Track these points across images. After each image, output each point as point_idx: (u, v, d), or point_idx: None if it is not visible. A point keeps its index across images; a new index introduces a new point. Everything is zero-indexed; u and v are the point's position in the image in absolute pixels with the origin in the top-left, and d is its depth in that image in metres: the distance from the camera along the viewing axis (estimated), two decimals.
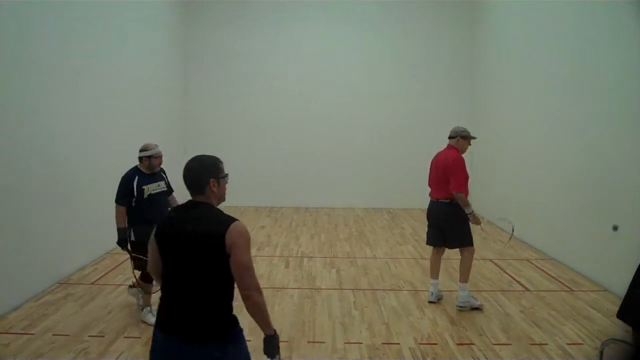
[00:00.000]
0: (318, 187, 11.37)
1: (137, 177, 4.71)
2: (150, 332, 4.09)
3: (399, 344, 4.32)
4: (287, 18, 11.24)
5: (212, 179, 2.36)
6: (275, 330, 2.40)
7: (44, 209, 5.52)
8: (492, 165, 9.91)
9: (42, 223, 5.48)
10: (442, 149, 5.28)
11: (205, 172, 2.36)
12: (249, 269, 2.26)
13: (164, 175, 4.98)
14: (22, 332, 4.42)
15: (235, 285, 2.31)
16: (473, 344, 4.30)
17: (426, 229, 5.39)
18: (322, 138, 11.27)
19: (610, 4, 5.91)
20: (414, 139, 11.25)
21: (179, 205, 2.50)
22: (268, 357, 2.38)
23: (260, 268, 6.50)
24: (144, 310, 4.74)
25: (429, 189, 5.30)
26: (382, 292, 5.68)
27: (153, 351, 2.36)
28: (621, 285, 5.29)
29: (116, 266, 6.47)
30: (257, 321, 2.37)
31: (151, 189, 4.76)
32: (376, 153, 11.29)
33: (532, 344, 4.32)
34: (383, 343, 4.33)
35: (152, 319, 4.51)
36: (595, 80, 6.18)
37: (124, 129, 7.76)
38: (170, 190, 5.03)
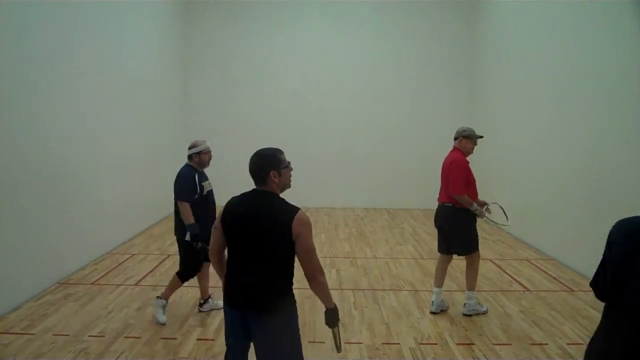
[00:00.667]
0: (318, 187, 11.37)
1: (196, 174, 4.66)
2: (153, 330, 4.07)
3: (399, 344, 4.32)
4: (287, 18, 11.24)
5: (272, 171, 2.60)
6: (335, 304, 2.75)
7: (43, 209, 5.52)
8: (492, 165, 9.91)
9: (42, 223, 5.48)
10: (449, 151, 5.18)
11: (265, 164, 2.60)
12: (313, 252, 2.59)
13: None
14: (22, 332, 4.42)
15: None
16: (473, 344, 4.30)
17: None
18: (322, 138, 11.27)
19: (610, 4, 5.91)
20: (414, 139, 11.27)
21: (244, 194, 2.69)
22: (330, 327, 2.77)
23: None
24: (159, 305, 4.72)
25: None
26: (382, 292, 5.68)
27: (227, 324, 2.72)
28: None
29: (116, 266, 6.47)
30: (320, 298, 2.73)
31: (206, 186, 4.76)
32: (376, 153, 11.29)
33: (532, 344, 4.32)
34: (383, 343, 4.33)
35: (164, 318, 4.54)
36: (595, 80, 6.18)
37: (124, 128, 7.76)
38: None
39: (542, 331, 4.60)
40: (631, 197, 5.34)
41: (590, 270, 6.02)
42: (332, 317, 2.74)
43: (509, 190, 8.80)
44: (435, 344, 4.32)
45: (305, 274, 2.65)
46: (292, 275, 2.69)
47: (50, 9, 5.70)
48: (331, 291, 5.95)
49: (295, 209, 2.55)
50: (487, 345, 4.28)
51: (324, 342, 4.33)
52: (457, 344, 4.33)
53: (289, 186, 2.73)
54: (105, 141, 7.09)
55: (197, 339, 4.34)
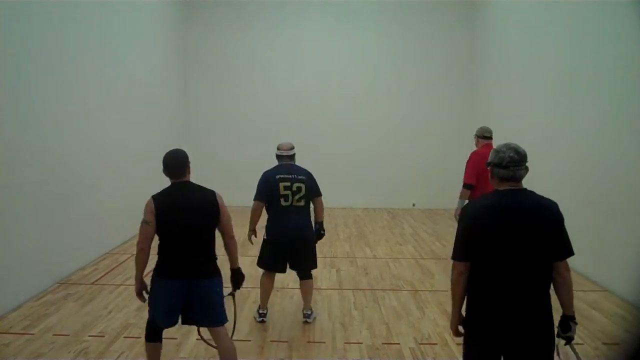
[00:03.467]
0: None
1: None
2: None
3: (399, 344, 4.32)
4: (287, 18, 11.23)
5: (189, 165, 3.41)
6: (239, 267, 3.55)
7: (43, 209, 5.52)
8: None
9: (42, 223, 5.48)
10: None
11: (185, 160, 3.38)
12: (230, 217, 3.45)
13: None
14: (22, 332, 4.42)
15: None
16: None
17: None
18: (322, 138, 11.25)
19: (610, 4, 5.91)
20: (414, 138, 11.27)
21: (167, 189, 3.40)
22: (234, 286, 3.53)
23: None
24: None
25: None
26: (382, 292, 5.67)
27: (157, 297, 3.32)
28: (621, 285, 5.30)
29: (116, 266, 6.47)
30: (231, 255, 3.51)
31: None
32: (376, 153, 11.28)
33: None
34: (383, 343, 4.33)
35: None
36: (595, 79, 6.18)
37: (124, 128, 7.77)
38: None
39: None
40: (631, 196, 5.34)
41: (591, 270, 5.99)
42: (236, 278, 3.51)
43: None
44: (435, 344, 4.32)
45: (225, 235, 3.42)
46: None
47: (50, 8, 5.70)
48: (331, 291, 5.98)
49: (212, 190, 3.38)
50: None
51: (323, 342, 4.34)
52: (457, 344, 4.31)
53: None
54: (105, 141, 7.09)
55: (197, 339, 4.33)
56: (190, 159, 3.45)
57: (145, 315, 4.84)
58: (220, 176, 11.36)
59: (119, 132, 7.55)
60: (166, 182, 3.45)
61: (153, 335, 3.48)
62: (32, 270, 5.30)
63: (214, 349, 4.10)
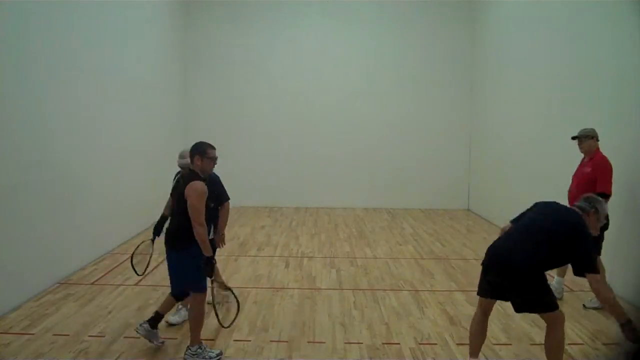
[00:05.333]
0: (318, 187, 11.37)
1: None
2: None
3: (399, 344, 4.32)
4: (286, 18, 11.24)
5: (197, 155, 3.86)
6: (211, 255, 3.80)
7: (44, 208, 5.52)
8: (492, 164, 9.91)
9: (42, 223, 5.48)
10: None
11: (192, 150, 3.89)
12: (193, 209, 3.73)
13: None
14: (22, 332, 4.42)
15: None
16: None
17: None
18: (322, 138, 11.27)
19: (610, 4, 5.91)
20: (414, 139, 11.28)
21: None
22: (206, 275, 3.80)
23: (260, 268, 6.50)
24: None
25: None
26: (382, 292, 5.67)
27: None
28: (621, 285, 5.31)
29: (116, 266, 6.47)
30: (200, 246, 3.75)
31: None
32: (376, 153, 11.29)
33: (532, 344, 4.32)
34: (383, 343, 4.33)
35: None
36: (595, 79, 6.18)
37: (124, 128, 7.76)
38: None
39: (542, 331, 4.57)
40: (630, 197, 5.34)
41: None
42: (208, 266, 3.75)
43: (509, 190, 8.80)
44: (435, 344, 4.32)
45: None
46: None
47: (50, 8, 5.70)
48: (331, 291, 5.98)
49: (195, 179, 3.78)
50: (487, 345, 4.27)
51: (324, 342, 4.34)
52: (457, 344, 4.33)
53: (209, 172, 3.96)
54: (106, 141, 7.09)
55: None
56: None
57: (145, 315, 4.87)
58: (220, 174, 11.37)
59: (119, 132, 7.55)
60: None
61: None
62: (32, 270, 5.30)
63: (214, 349, 4.11)
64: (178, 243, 3.84)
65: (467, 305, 5.24)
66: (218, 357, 3.96)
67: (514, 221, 3.76)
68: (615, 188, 5.09)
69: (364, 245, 7.89)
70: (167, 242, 3.95)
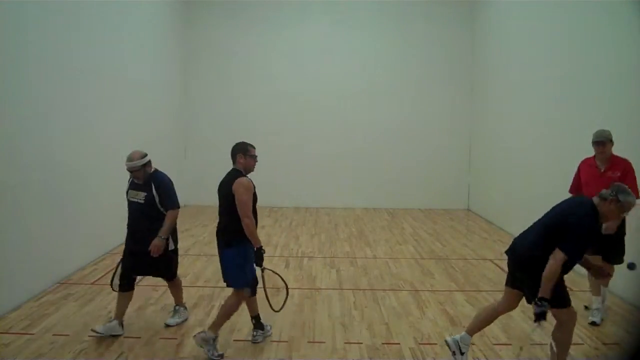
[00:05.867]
0: (318, 187, 11.36)
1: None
2: (152, 331, 4.08)
3: (399, 344, 4.32)
4: (286, 18, 11.24)
5: (239, 154, 4.16)
6: (261, 245, 4.05)
7: (44, 209, 5.52)
8: (492, 164, 9.91)
9: (42, 223, 5.47)
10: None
11: (235, 149, 4.19)
12: (241, 204, 3.97)
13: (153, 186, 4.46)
14: (22, 332, 4.42)
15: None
16: (473, 344, 4.28)
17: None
18: (322, 138, 11.26)
19: (610, 4, 5.91)
20: (414, 139, 11.28)
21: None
22: (257, 265, 4.09)
23: None
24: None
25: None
26: (382, 292, 5.67)
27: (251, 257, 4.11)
28: (621, 285, 5.30)
29: (116, 266, 6.46)
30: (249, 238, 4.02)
31: (129, 195, 4.53)
32: (376, 153, 11.29)
33: (532, 344, 4.31)
34: (383, 343, 4.33)
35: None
36: (595, 79, 6.18)
37: (124, 128, 7.76)
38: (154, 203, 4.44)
39: (542, 331, 4.59)
40: None
41: None
42: (258, 256, 4.01)
43: (509, 190, 8.80)
44: (435, 344, 4.32)
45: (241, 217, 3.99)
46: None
47: (50, 8, 5.70)
48: (331, 291, 5.97)
49: (239, 177, 4.05)
50: (487, 345, 4.28)
51: (324, 342, 4.34)
52: None
53: (251, 170, 4.18)
54: (105, 141, 7.08)
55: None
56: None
57: (145, 315, 4.88)
58: (220, 175, 11.35)
59: (119, 132, 7.55)
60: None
61: (254, 287, 4.27)
62: (32, 270, 5.29)
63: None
64: (223, 241, 4.12)
65: (467, 305, 5.25)
66: (219, 358, 3.96)
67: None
68: None
69: (364, 245, 7.89)
70: (217, 240, 4.20)
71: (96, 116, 6.84)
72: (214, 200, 4.26)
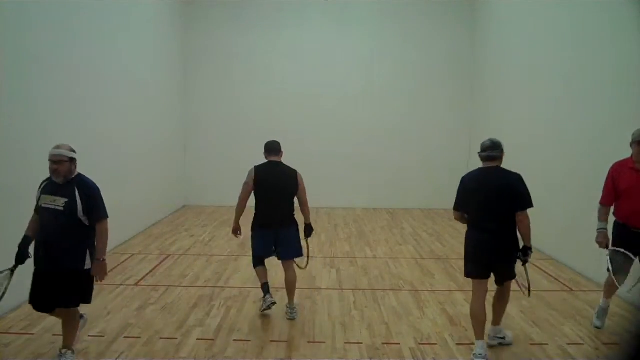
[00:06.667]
0: (318, 187, 11.30)
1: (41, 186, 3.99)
2: (152, 330, 4.08)
3: (399, 344, 4.32)
4: (286, 18, 11.23)
5: (281, 150, 4.99)
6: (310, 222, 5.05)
7: None
8: None
9: None
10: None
11: (280, 145, 5.08)
12: (305, 190, 5.00)
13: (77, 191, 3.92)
14: (22, 332, 4.42)
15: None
16: (473, 344, 4.29)
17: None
18: (322, 138, 11.25)
19: (610, 4, 5.91)
20: (414, 139, 11.27)
21: (266, 164, 4.86)
22: (305, 237, 4.99)
23: None
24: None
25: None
26: (382, 292, 5.67)
27: (257, 241, 4.86)
28: (622, 286, 5.30)
29: (116, 266, 6.47)
30: (307, 214, 5.08)
31: (42, 200, 3.87)
32: (376, 153, 11.28)
33: (532, 344, 4.32)
34: (383, 343, 4.33)
35: None
36: (595, 78, 6.17)
37: (124, 128, 7.76)
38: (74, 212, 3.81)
39: (542, 331, 4.60)
40: None
41: (591, 270, 5.98)
42: (308, 230, 5.03)
43: None
44: (435, 344, 4.32)
45: (303, 203, 4.98)
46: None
47: (50, 8, 5.69)
48: (331, 291, 5.98)
49: (295, 169, 4.97)
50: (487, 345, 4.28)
51: (324, 342, 4.34)
52: (457, 344, 4.33)
53: None
54: (105, 141, 7.08)
55: (197, 339, 4.34)
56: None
57: (145, 315, 4.88)
58: (220, 175, 11.35)
59: (118, 132, 7.55)
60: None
61: (258, 262, 4.87)
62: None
63: (214, 349, 4.12)
64: (290, 221, 4.83)
65: (467, 305, 5.21)
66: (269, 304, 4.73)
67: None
68: None
69: (364, 245, 7.89)
70: (274, 223, 4.75)
71: (96, 116, 6.83)
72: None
